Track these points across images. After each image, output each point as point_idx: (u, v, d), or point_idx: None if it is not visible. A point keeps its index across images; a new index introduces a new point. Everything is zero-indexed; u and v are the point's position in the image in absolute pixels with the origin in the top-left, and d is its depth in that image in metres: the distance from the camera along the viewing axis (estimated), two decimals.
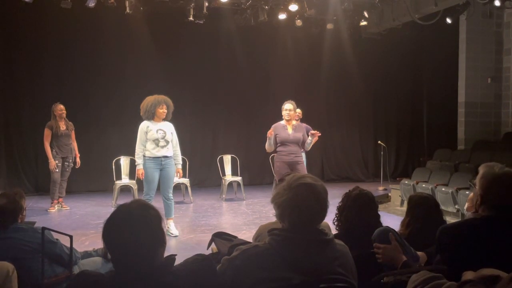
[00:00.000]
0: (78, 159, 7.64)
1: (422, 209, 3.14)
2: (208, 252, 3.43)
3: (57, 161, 7.31)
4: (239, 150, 9.74)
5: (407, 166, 11.66)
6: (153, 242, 1.66)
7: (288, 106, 6.18)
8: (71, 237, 2.88)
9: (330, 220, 2.46)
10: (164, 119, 5.87)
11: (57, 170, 7.34)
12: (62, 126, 7.41)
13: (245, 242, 2.75)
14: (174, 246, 5.48)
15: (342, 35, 10.26)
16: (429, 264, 2.62)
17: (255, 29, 9.61)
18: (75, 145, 7.61)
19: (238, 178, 8.84)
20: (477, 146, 9.66)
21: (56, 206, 7.50)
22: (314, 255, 1.79)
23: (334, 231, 2.79)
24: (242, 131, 10.36)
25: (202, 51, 9.80)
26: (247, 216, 7.35)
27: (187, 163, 8.48)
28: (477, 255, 1.94)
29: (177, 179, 6.81)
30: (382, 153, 10.19)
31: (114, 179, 8.10)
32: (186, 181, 8.36)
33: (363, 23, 9.79)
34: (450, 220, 5.31)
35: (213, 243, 3.45)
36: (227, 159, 9.10)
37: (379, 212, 2.91)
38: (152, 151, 5.72)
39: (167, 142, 5.81)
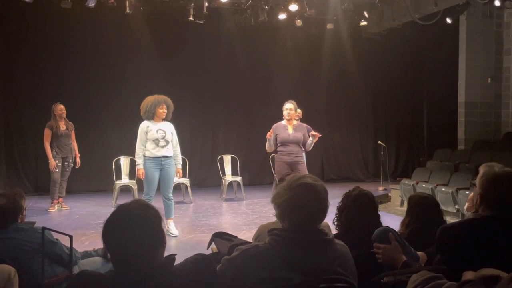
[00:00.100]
0: (78, 159, 7.64)
1: (422, 209, 3.14)
2: (208, 252, 3.43)
3: (57, 161, 7.31)
4: (239, 150, 9.74)
5: (407, 166, 11.66)
6: (153, 242, 1.66)
7: (288, 106, 6.18)
8: (71, 237, 2.88)
9: (330, 220, 2.46)
10: (164, 119, 5.87)
11: (57, 170, 7.34)
12: (62, 126, 7.41)
13: (245, 242, 2.75)
14: (174, 246, 5.48)
15: (342, 35, 10.26)
16: (429, 264, 2.62)
17: (255, 29, 9.62)
18: (75, 145, 7.61)
19: (238, 178, 8.84)
20: (477, 146, 9.66)
21: (56, 206, 7.50)
22: (314, 255, 1.79)
23: (334, 231, 2.79)
24: (242, 131, 10.36)
25: (202, 51, 9.80)
26: (247, 216, 7.35)
27: (187, 163, 8.48)
28: (477, 255, 1.94)
29: (177, 179, 6.81)
30: (382, 153, 10.19)
31: (114, 179, 8.11)
32: (186, 181, 8.36)
33: (363, 23, 9.79)
34: (450, 220, 5.30)
35: (213, 243, 3.45)
36: (227, 159, 9.10)
37: (379, 212, 2.91)
38: (152, 151, 5.72)
39: (167, 142, 5.81)
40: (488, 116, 10.49)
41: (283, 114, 6.20)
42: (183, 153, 6.47)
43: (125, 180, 8.12)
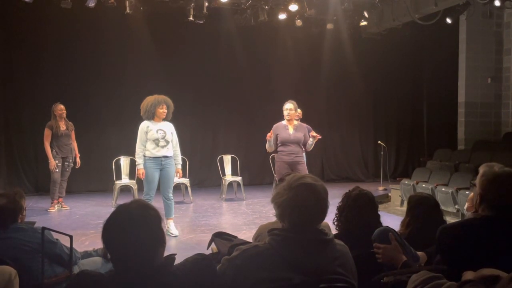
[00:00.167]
0: (78, 159, 7.65)
1: (422, 209, 3.14)
2: (208, 252, 3.44)
3: (57, 161, 7.32)
4: (239, 150, 9.74)
5: (407, 166, 11.66)
6: (153, 242, 1.66)
7: (288, 106, 6.19)
8: (71, 237, 2.88)
9: (330, 220, 2.46)
10: (164, 119, 5.87)
11: (57, 170, 7.34)
12: (62, 126, 7.41)
13: (245, 242, 2.76)
14: (174, 246, 5.48)
15: (342, 35, 10.26)
16: (429, 264, 2.62)
17: (255, 29, 9.61)
18: (75, 145, 7.62)
19: (238, 178, 8.84)
20: (477, 146, 9.66)
21: (56, 206, 7.50)
22: (314, 255, 1.79)
23: (334, 231, 2.79)
24: (242, 131, 10.36)
25: (202, 51, 9.80)
26: (247, 216, 7.35)
27: (187, 163, 8.48)
28: (477, 255, 1.94)
29: (177, 179, 6.80)
30: (382, 153, 10.19)
31: (114, 179, 8.11)
32: (186, 181, 8.36)
33: (363, 23, 9.79)
34: (450, 220, 5.30)
35: (213, 243, 3.45)
36: (227, 159, 9.10)
37: (379, 212, 2.91)
38: (152, 151, 5.72)
39: (167, 142, 5.81)
40: (488, 116, 10.48)
41: (284, 114, 6.21)
42: (183, 153, 6.48)
43: (125, 180, 8.12)
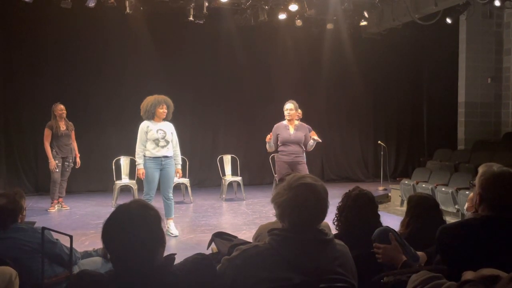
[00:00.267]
0: (78, 159, 7.65)
1: (422, 209, 3.14)
2: (208, 252, 3.44)
3: (57, 161, 7.32)
4: (239, 150, 9.74)
5: (407, 166, 11.66)
6: (153, 242, 1.66)
7: (289, 106, 6.19)
8: (71, 237, 2.88)
9: (330, 220, 2.46)
10: (164, 119, 5.87)
11: (57, 170, 7.34)
12: (62, 126, 7.41)
13: (245, 242, 2.76)
14: (174, 246, 5.48)
15: (342, 35, 10.26)
16: (429, 264, 2.62)
17: (255, 29, 9.62)
18: (75, 145, 7.62)
19: (238, 178, 8.84)
20: (477, 146, 9.66)
21: (56, 206, 7.50)
22: (314, 255, 1.79)
23: (334, 231, 2.79)
24: (242, 131, 10.36)
25: (202, 51, 9.79)
26: (247, 216, 7.34)
27: (187, 163, 8.48)
28: (477, 255, 1.94)
29: (177, 179, 6.80)
30: (382, 153, 10.18)
31: (114, 179, 8.10)
32: (186, 181, 8.36)
33: (363, 23, 9.79)
34: (450, 220, 5.30)
35: (213, 243, 3.45)
36: (227, 159, 9.10)
37: (379, 212, 2.91)
38: (152, 151, 5.72)
39: (167, 142, 5.81)
40: (488, 116, 10.48)
41: (284, 114, 6.21)
42: (183, 153, 6.48)
43: (125, 180, 8.12)
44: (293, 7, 8.50)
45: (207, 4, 8.38)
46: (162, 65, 9.46)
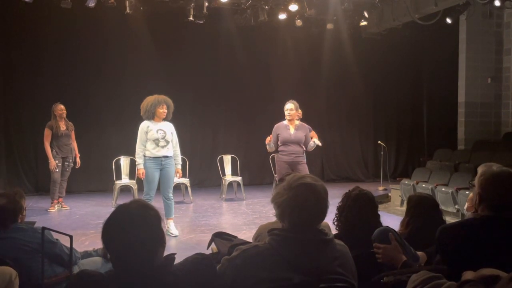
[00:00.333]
0: (78, 159, 7.65)
1: (422, 209, 3.14)
2: (208, 252, 3.44)
3: (57, 161, 7.32)
4: (239, 150, 9.74)
5: (407, 166, 11.66)
6: (153, 242, 1.66)
7: (289, 106, 6.20)
8: (71, 237, 2.88)
9: (330, 220, 2.46)
10: (164, 119, 5.87)
11: (57, 170, 7.34)
12: (62, 126, 7.41)
13: (245, 242, 2.76)
14: (174, 246, 5.48)
15: (342, 35, 10.26)
16: (429, 264, 2.62)
17: (255, 29, 9.61)
18: (75, 145, 7.62)
19: (238, 178, 8.84)
20: (477, 146, 9.66)
21: (56, 206, 7.50)
22: (314, 255, 1.79)
23: (334, 231, 2.79)
24: (242, 131, 10.36)
25: (202, 51, 9.79)
26: (247, 216, 7.35)
27: (187, 163, 8.48)
28: (477, 255, 1.94)
29: (177, 179, 6.80)
30: (382, 153, 10.18)
31: (114, 179, 8.10)
32: (186, 181, 8.36)
33: (363, 23, 9.79)
34: (450, 220, 5.31)
35: (213, 243, 3.45)
36: (227, 159, 9.10)
37: (379, 212, 2.91)
38: (152, 151, 5.72)
39: (167, 142, 5.81)
40: (488, 116, 10.48)
41: (285, 114, 6.22)
42: (183, 153, 6.48)
43: (125, 180, 8.12)
44: (293, 7, 8.50)
45: (207, 4, 8.38)
46: (162, 65, 9.46)
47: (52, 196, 7.48)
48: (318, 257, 1.79)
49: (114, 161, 8.23)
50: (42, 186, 8.67)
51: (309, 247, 1.80)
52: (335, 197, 2.63)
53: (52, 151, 7.28)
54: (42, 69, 8.86)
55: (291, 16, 9.13)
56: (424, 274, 1.76)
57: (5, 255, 2.77)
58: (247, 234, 5.72)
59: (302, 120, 7.30)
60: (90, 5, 7.75)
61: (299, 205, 1.82)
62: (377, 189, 9.66)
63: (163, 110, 5.76)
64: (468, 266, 1.75)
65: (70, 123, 7.58)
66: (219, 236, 3.41)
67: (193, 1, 8.27)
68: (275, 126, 6.29)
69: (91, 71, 9.07)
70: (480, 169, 2.18)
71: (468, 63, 10.24)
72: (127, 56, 9.26)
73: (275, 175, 7.81)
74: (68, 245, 2.94)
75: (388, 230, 2.53)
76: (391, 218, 6.51)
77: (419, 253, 2.72)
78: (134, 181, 7.90)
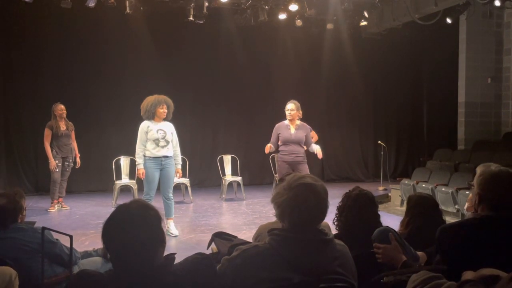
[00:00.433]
0: (78, 159, 7.65)
1: (421, 209, 3.14)
2: (208, 252, 3.44)
3: (57, 161, 7.32)
4: (239, 150, 9.74)
5: (407, 166, 11.66)
6: (153, 242, 1.66)
7: (290, 106, 6.21)
8: (71, 237, 2.88)
9: (330, 220, 2.46)
10: (165, 119, 5.87)
11: (57, 170, 7.34)
12: (62, 126, 7.41)
13: (245, 242, 2.76)
14: (174, 246, 5.48)
15: (342, 35, 10.26)
16: (429, 264, 2.62)
17: (255, 29, 9.61)
18: (75, 145, 7.62)
19: (238, 178, 8.84)
20: (477, 146, 9.66)
21: (56, 206, 7.50)
22: (314, 255, 1.79)
23: (334, 231, 2.79)
24: (242, 131, 10.36)
25: (202, 51, 9.79)
26: (247, 216, 7.35)
27: (187, 163, 8.48)
28: (477, 255, 1.94)
29: (177, 179, 6.80)
30: (382, 153, 10.18)
31: (114, 179, 8.10)
32: (186, 181, 8.36)
33: (363, 23, 9.79)
34: (450, 220, 5.30)
35: (213, 243, 3.45)
36: (227, 159, 9.10)
37: (379, 212, 2.91)
38: (153, 151, 5.73)
39: (167, 142, 5.82)
40: (488, 116, 10.49)
41: (286, 114, 6.23)
42: (183, 153, 6.48)
43: (125, 180, 8.12)
44: (293, 7, 8.50)
45: (207, 4, 8.38)
46: (162, 65, 9.45)
47: (52, 196, 7.48)
48: (318, 257, 1.79)
49: (114, 161, 8.23)
50: (42, 186, 8.67)
51: (309, 247, 1.80)
52: (335, 197, 2.63)
53: (52, 151, 7.28)
54: (42, 69, 8.86)
55: (291, 16, 9.13)
56: (424, 274, 1.76)
57: (5, 255, 2.77)
58: (247, 234, 5.72)
59: (302, 120, 7.31)
60: (90, 5, 7.75)
61: (299, 205, 1.82)
62: (377, 189, 9.66)
63: (163, 110, 5.76)
64: (468, 266, 1.75)
65: (70, 123, 7.58)
66: (219, 236, 3.41)
67: (193, 1, 8.26)
68: (276, 125, 6.31)
69: (91, 71, 9.06)
70: (479, 169, 2.18)
71: (468, 63, 10.24)
72: (127, 56, 9.26)
73: (275, 175, 7.81)
74: (68, 245, 2.94)
75: (388, 230, 2.53)
76: (391, 218, 6.51)
77: (419, 253, 2.72)
78: (134, 181, 7.90)
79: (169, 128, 5.87)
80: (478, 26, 10.19)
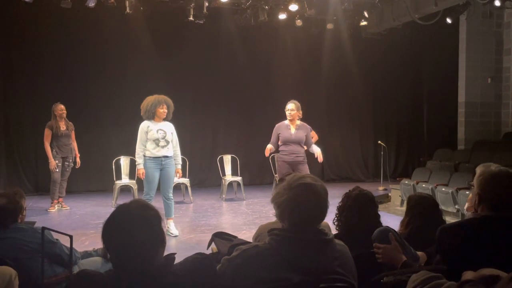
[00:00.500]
0: (78, 159, 7.65)
1: (421, 209, 3.14)
2: (208, 252, 3.44)
3: (57, 161, 7.32)
4: (239, 150, 9.73)
5: (407, 166, 11.66)
6: (153, 242, 1.66)
7: (290, 106, 6.21)
8: (71, 237, 2.88)
9: (330, 220, 2.46)
10: (165, 119, 5.87)
11: (57, 170, 7.34)
12: (62, 126, 7.41)
13: (245, 242, 2.76)
14: (174, 246, 5.48)
15: (342, 35, 10.26)
16: (429, 264, 2.62)
17: (255, 29, 9.61)
18: (75, 145, 7.62)
19: (238, 178, 8.84)
20: (477, 146, 9.66)
21: (56, 206, 7.50)
22: (314, 255, 1.79)
23: (334, 231, 2.79)
24: (242, 131, 10.36)
25: (202, 51, 9.79)
26: (247, 216, 7.35)
27: (187, 163, 8.48)
28: (477, 255, 1.94)
29: (177, 179, 6.80)
30: (382, 153, 10.18)
31: (114, 179, 8.10)
32: (186, 181, 8.36)
33: (363, 23, 9.79)
34: (450, 220, 5.31)
35: (213, 243, 3.45)
36: (227, 159, 9.10)
37: (379, 212, 2.91)
38: (153, 151, 5.73)
39: (167, 142, 5.82)
40: (488, 116, 10.49)
41: (286, 114, 6.23)
42: (183, 153, 6.48)
43: (125, 180, 8.12)
44: (293, 7, 8.50)
45: (207, 4, 8.38)
46: (162, 65, 9.45)
47: (52, 196, 7.48)
48: (318, 257, 1.79)
49: (114, 161, 8.23)
50: (42, 186, 8.67)
51: (309, 247, 1.80)
52: (335, 197, 2.63)
53: (52, 151, 7.28)
54: (42, 69, 8.86)
55: (291, 16, 9.13)
56: (424, 274, 1.76)
57: (5, 255, 2.77)
58: (247, 234, 5.72)
59: (302, 120, 7.31)
60: (90, 5, 7.75)
61: (299, 205, 1.82)
62: (377, 189, 9.66)
63: (163, 110, 5.76)
64: (468, 266, 1.75)
65: (70, 123, 7.58)
66: (219, 236, 3.41)
67: (193, 1, 8.26)
68: (276, 125, 6.31)
69: (91, 71, 9.06)
70: (478, 170, 2.18)
71: (468, 63, 10.25)
72: (127, 56, 9.26)
73: (275, 175, 7.81)
74: (68, 245, 2.94)
75: (388, 230, 2.53)
76: (391, 218, 6.51)
77: (419, 253, 2.72)
78: (134, 181, 7.90)
79: (169, 128, 5.87)
80: (478, 26, 10.19)
